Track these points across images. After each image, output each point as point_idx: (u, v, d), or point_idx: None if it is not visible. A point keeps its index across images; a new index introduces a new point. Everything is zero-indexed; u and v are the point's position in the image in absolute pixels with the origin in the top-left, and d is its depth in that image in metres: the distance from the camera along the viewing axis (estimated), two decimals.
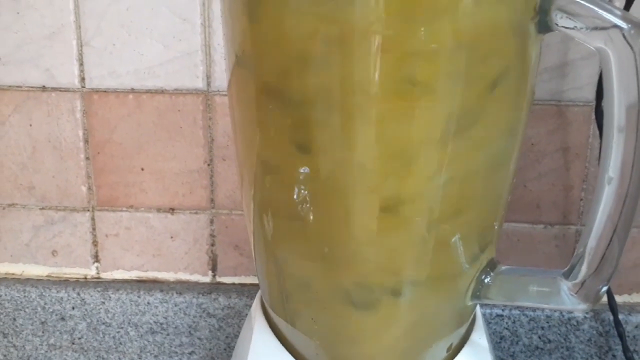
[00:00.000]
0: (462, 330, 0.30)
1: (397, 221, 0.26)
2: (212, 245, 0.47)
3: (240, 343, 0.33)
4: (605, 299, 0.44)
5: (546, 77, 0.43)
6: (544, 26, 0.25)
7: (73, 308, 0.47)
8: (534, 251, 0.46)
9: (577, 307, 0.26)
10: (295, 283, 0.28)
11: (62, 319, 0.48)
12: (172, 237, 0.47)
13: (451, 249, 0.27)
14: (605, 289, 0.26)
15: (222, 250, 0.47)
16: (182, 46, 0.43)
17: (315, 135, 0.25)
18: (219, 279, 0.48)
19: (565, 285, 0.26)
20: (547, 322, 0.45)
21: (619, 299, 0.45)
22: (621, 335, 0.43)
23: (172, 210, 0.47)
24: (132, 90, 0.44)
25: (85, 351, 0.48)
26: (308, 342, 0.29)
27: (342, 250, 0.27)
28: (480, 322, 0.31)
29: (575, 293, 0.26)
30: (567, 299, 0.26)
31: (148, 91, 0.44)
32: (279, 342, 0.30)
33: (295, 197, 0.26)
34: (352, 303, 0.27)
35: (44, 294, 0.47)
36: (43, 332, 0.48)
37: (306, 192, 0.26)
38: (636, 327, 0.45)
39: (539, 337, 0.46)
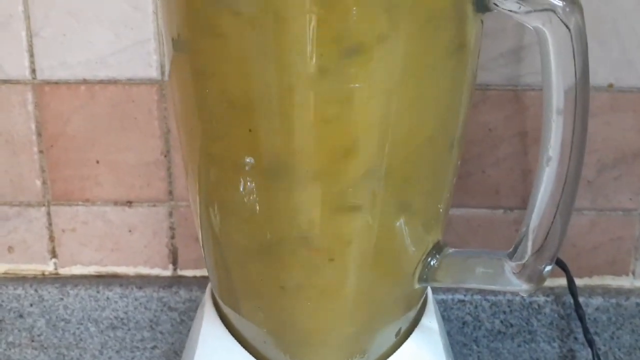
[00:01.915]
0: (412, 314, 0.29)
1: (340, 208, 0.26)
2: (172, 238, 0.47)
3: (192, 334, 0.33)
4: (565, 282, 0.44)
5: (502, 62, 0.43)
6: (482, 6, 0.25)
7: (31, 305, 0.47)
8: (494, 236, 0.46)
9: (521, 287, 0.26)
10: (240, 273, 0.28)
11: (21, 316, 0.47)
12: (130, 231, 0.46)
13: (396, 232, 0.26)
14: (549, 269, 0.26)
15: (182, 243, 0.47)
16: (134, 35, 0.42)
17: (255, 120, 0.25)
18: (180, 272, 0.47)
19: (509, 266, 0.26)
20: (509, 307, 0.45)
21: (579, 282, 0.45)
22: (581, 318, 0.43)
23: (129, 203, 0.46)
24: (84, 81, 0.43)
25: (45, 348, 0.47)
26: (256, 330, 0.29)
27: (287, 239, 0.26)
28: (431, 306, 0.31)
29: (519, 273, 0.26)
30: (512, 280, 0.26)
31: (100, 82, 0.43)
32: (228, 332, 0.30)
33: (240, 187, 0.26)
34: (298, 291, 0.27)
35: (0, 291, 0.46)
36: (1, 330, 0.47)
37: (252, 184, 0.26)
38: (596, 309, 0.45)
39: (501, 322, 0.46)
